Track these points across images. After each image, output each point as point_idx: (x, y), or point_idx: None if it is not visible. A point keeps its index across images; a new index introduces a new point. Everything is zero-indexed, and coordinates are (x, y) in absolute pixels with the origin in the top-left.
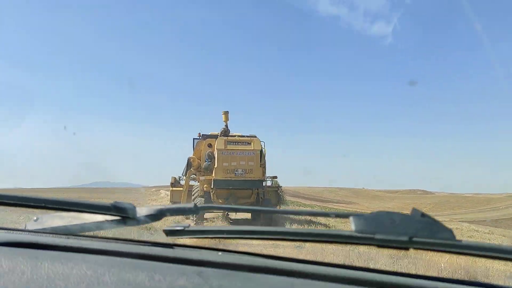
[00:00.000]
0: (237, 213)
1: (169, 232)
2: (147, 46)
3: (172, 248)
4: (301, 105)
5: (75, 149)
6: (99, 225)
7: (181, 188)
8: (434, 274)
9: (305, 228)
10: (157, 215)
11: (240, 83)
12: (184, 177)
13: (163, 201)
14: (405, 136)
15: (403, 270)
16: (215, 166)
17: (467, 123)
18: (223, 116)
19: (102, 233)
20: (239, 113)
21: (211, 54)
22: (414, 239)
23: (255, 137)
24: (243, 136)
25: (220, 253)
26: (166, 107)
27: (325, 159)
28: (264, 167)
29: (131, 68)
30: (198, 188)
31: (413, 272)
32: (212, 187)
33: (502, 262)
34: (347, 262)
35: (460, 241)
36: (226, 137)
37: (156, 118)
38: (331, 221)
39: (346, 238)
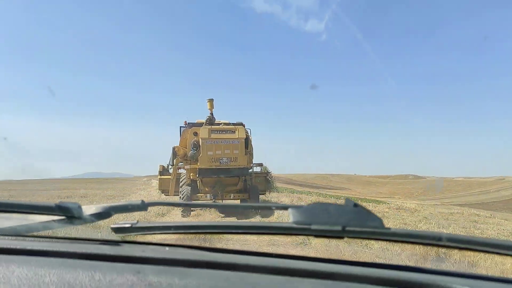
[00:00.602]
0: (226, 199)
1: (116, 230)
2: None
3: (118, 245)
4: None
5: (65, 141)
6: (46, 225)
7: (169, 177)
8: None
9: (248, 221)
10: (104, 214)
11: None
12: (171, 166)
13: (153, 189)
14: (394, 122)
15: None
16: (200, 155)
17: (457, 109)
18: (207, 104)
19: (50, 233)
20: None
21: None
22: (347, 228)
23: (240, 125)
24: (228, 125)
25: (167, 248)
26: (157, 98)
27: (317, 146)
28: (251, 155)
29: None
30: (186, 176)
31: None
32: (197, 176)
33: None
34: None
35: (388, 228)
36: (210, 126)
37: (146, 109)
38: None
39: (286, 229)
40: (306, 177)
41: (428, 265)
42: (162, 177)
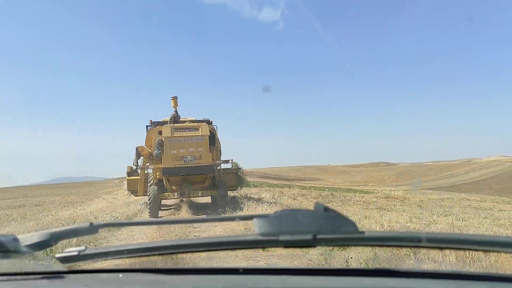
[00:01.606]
0: (194, 197)
1: (63, 259)
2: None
3: (62, 278)
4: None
5: (29, 147)
6: None
7: (138, 177)
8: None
9: (208, 237)
10: (45, 243)
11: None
12: (134, 166)
13: (120, 192)
14: (362, 109)
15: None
16: (164, 154)
17: (422, 93)
18: (171, 101)
19: None
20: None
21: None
22: (318, 236)
23: (206, 122)
24: (193, 122)
25: (121, 275)
26: (124, 97)
27: (289, 139)
28: (218, 151)
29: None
30: (152, 176)
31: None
32: (162, 175)
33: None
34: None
35: (363, 232)
36: (173, 124)
37: (115, 109)
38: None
39: (252, 243)
40: (280, 170)
41: (406, 266)
42: (130, 178)
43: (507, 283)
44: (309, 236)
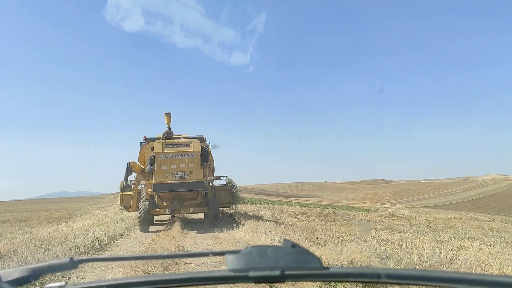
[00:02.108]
0: (185, 213)
1: None
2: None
3: None
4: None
5: (28, 162)
6: None
7: (131, 193)
8: None
9: (180, 273)
10: (26, 279)
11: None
12: (126, 182)
13: (112, 208)
14: (358, 128)
15: None
16: (154, 170)
17: (420, 111)
18: (165, 118)
19: None
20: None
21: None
22: (286, 272)
23: (199, 138)
24: (187, 138)
25: None
26: (125, 110)
27: (286, 155)
28: (211, 168)
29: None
30: (144, 192)
31: None
32: (153, 191)
33: None
34: None
35: (327, 268)
36: (164, 140)
37: (111, 124)
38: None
39: (222, 279)
40: (277, 186)
41: None
42: (123, 193)
43: None
44: (277, 272)
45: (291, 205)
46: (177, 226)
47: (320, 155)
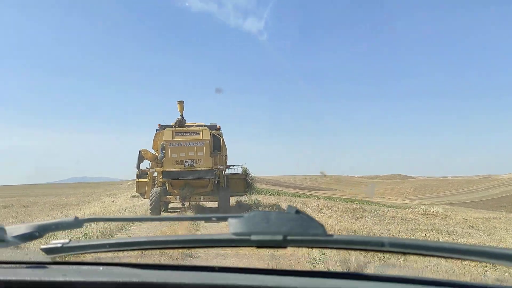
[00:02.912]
0: (195, 201)
1: (47, 250)
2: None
3: (45, 268)
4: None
5: (53, 147)
6: None
7: (146, 180)
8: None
9: (184, 235)
10: (31, 235)
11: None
12: (138, 169)
13: (124, 195)
14: (382, 122)
15: None
16: (164, 157)
17: (442, 106)
18: (177, 106)
19: None
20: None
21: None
22: (288, 237)
23: (208, 126)
24: (200, 126)
25: (101, 267)
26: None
27: (305, 146)
28: (224, 156)
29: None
30: (157, 179)
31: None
32: (162, 178)
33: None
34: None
35: (331, 235)
36: (174, 128)
37: (133, 111)
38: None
39: (225, 241)
40: (295, 178)
41: (371, 271)
42: (139, 180)
43: None
44: (279, 237)
45: (315, 198)
46: (189, 214)
47: (338, 149)
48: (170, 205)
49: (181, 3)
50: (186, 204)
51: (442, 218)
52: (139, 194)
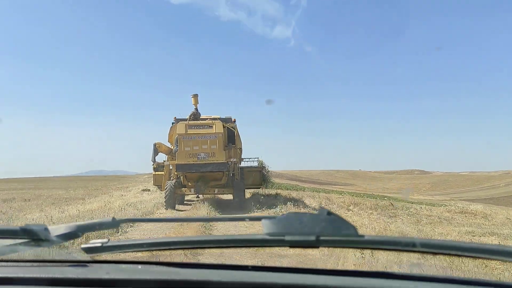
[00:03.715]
0: (210, 194)
1: (87, 250)
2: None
3: (87, 266)
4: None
5: (71, 140)
6: (13, 249)
7: (163, 173)
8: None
9: (220, 235)
10: (71, 234)
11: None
12: (154, 162)
13: (135, 188)
14: (398, 117)
15: None
16: (177, 151)
17: (458, 102)
18: (192, 99)
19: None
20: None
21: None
22: (321, 237)
23: (223, 119)
24: (208, 120)
25: (140, 266)
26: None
27: (321, 142)
28: (238, 149)
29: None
30: (172, 172)
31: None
32: (176, 171)
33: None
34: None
35: (362, 236)
36: (187, 122)
37: (148, 106)
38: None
39: (260, 242)
40: (311, 173)
41: (403, 271)
42: (156, 173)
43: None
44: (312, 237)
45: (340, 194)
46: (203, 211)
47: (354, 143)
48: (186, 198)
49: (210, 12)
50: (201, 196)
51: (483, 217)
52: (156, 187)
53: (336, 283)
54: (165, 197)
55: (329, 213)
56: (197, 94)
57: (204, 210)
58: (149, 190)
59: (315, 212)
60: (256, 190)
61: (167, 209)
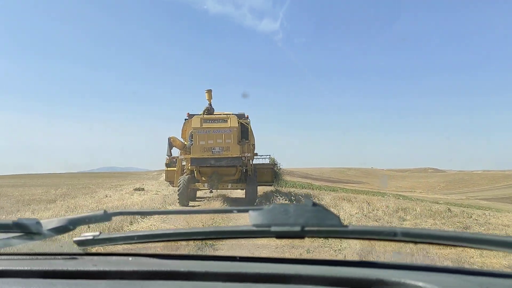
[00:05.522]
0: (223, 189)
1: (79, 243)
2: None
3: (78, 259)
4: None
5: (84, 137)
6: (6, 243)
7: (175, 168)
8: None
9: (206, 227)
10: (64, 228)
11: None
12: (169, 156)
13: (151, 182)
14: (412, 114)
15: None
16: (192, 144)
17: (473, 99)
18: (206, 94)
19: (11, 249)
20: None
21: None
22: (306, 228)
23: (236, 115)
24: (220, 114)
25: (130, 258)
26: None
27: (333, 139)
28: (252, 145)
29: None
30: (185, 167)
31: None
32: (190, 165)
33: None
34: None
35: (346, 226)
36: (202, 116)
37: (158, 102)
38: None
39: (246, 233)
40: (322, 171)
41: (384, 259)
42: (168, 169)
43: (474, 276)
44: (297, 228)
45: (383, 196)
46: (217, 203)
47: (366, 141)
48: (198, 194)
49: (198, 6)
50: (214, 191)
51: None
52: (168, 183)
53: (320, 272)
54: (178, 191)
55: (314, 204)
56: (211, 90)
57: (211, 205)
58: (143, 189)
59: (301, 203)
60: (268, 188)
61: (180, 205)
